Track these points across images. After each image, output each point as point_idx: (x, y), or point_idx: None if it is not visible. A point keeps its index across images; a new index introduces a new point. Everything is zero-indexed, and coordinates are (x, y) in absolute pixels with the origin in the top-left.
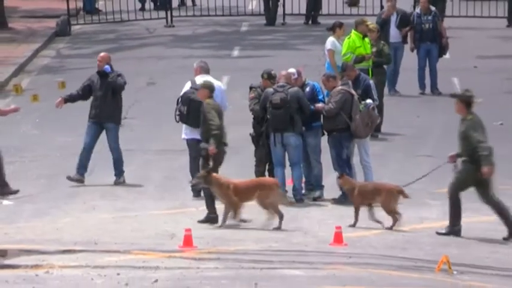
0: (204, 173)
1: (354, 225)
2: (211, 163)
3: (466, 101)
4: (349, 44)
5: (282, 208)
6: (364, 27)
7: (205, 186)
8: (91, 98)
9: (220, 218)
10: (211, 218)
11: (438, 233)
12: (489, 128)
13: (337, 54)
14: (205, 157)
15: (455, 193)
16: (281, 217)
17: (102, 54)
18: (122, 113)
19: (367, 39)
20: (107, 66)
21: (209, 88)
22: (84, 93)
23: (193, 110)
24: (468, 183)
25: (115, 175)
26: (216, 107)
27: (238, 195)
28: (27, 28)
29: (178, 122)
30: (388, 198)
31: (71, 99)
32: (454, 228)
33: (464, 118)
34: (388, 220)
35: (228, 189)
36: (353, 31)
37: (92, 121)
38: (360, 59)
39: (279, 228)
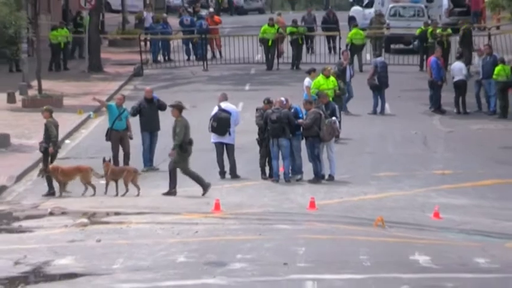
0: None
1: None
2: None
3: (179, 108)
4: (315, 83)
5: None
6: (326, 71)
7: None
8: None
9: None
10: (171, 192)
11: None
12: (407, 135)
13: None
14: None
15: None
16: (94, 188)
17: (148, 88)
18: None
19: (331, 78)
20: (154, 95)
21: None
22: (136, 112)
23: (220, 124)
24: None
25: (151, 164)
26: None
27: (64, 176)
28: (115, 71)
29: (210, 131)
30: (128, 176)
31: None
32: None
33: (177, 119)
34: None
35: (57, 172)
36: (320, 74)
37: (145, 132)
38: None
39: (93, 194)
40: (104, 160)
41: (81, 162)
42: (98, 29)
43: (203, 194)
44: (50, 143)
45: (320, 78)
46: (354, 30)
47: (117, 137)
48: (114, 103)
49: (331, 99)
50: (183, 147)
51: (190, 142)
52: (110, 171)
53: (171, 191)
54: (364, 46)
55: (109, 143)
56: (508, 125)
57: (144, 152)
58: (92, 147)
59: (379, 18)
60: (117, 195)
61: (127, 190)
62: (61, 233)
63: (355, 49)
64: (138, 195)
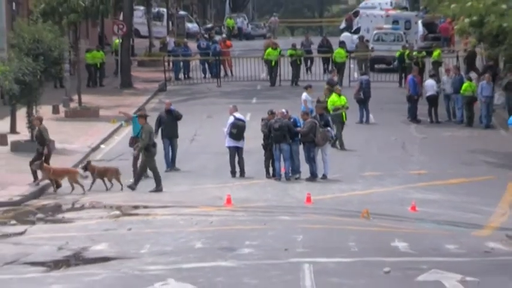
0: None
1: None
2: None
3: (144, 117)
4: (330, 100)
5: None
6: (338, 91)
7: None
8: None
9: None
10: (159, 189)
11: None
12: (388, 141)
13: (308, 103)
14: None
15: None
16: (82, 187)
17: (167, 101)
18: (193, 132)
19: (342, 96)
20: (172, 107)
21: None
22: (157, 128)
23: (239, 131)
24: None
25: (174, 165)
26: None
27: (54, 176)
28: (143, 87)
29: (229, 137)
30: (111, 174)
31: (157, 128)
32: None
33: (143, 126)
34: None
35: (49, 172)
36: (333, 93)
37: (165, 139)
38: (337, 108)
39: (84, 192)
40: (89, 163)
41: (113, 164)
42: (128, 52)
43: (153, 191)
44: (45, 146)
45: (334, 96)
46: (336, 50)
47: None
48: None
49: (344, 114)
50: (148, 149)
51: (154, 145)
52: (96, 171)
53: (158, 188)
54: (345, 63)
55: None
56: (473, 133)
57: (166, 156)
58: (123, 151)
59: (362, 42)
60: (107, 190)
61: (111, 185)
62: (97, 223)
63: (337, 66)
64: (121, 189)
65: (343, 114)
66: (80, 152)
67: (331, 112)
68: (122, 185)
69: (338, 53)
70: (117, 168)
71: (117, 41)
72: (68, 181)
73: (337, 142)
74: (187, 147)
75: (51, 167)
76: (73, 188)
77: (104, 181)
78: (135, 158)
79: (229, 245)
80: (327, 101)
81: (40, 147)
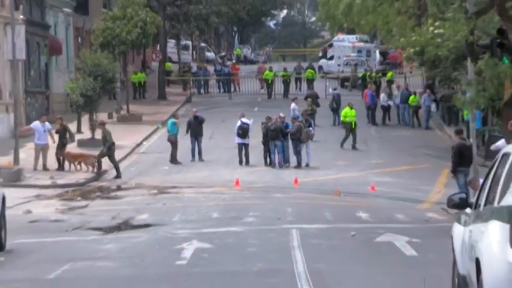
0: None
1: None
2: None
3: (103, 124)
4: (343, 112)
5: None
6: (351, 104)
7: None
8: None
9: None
10: (118, 176)
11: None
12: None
13: (296, 111)
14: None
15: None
16: (93, 167)
17: (194, 109)
18: (211, 132)
19: (353, 110)
20: (197, 114)
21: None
22: (188, 129)
23: (243, 131)
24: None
25: (200, 157)
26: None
27: (72, 158)
28: (174, 99)
29: (237, 136)
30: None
31: (187, 129)
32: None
33: (104, 131)
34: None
35: (68, 155)
36: (347, 106)
37: (192, 137)
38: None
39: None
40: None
41: (153, 156)
42: (164, 73)
43: (115, 178)
44: (68, 139)
45: (347, 109)
46: (308, 70)
47: (174, 139)
48: (175, 120)
49: (353, 123)
50: (110, 147)
51: (113, 143)
52: (71, 156)
53: (118, 175)
54: (314, 79)
55: (168, 144)
56: (417, 133)
57: (192, 150)
58: (159, 146)
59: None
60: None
61: (88, 169)
62: (140, 199)
63: (308, 82)
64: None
65: (352, 123)
66: (128, 147)
67: (341, 120)
68: (93, 168)
69: (308, 72)
70: (91, 155)
71: (169, 65)
72: (83, 163)
73: (344, 143)
74: (206, 144)
75: (69, 151)
76: (88, 168)
77: (74, 164)
78: (103, 155)
79: (237, 215)
80: (310, 109)
81: (104, 146)
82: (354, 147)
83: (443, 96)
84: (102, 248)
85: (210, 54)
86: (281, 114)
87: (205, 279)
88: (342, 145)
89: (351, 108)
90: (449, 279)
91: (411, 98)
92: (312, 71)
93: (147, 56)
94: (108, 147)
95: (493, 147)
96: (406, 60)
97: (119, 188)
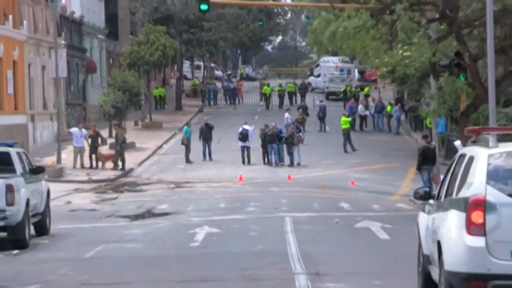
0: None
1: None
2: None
3: (117, 125)
4: (343, 120)
5: None
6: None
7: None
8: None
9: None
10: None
11: None
12: (338, 142)
13: (289, 119)
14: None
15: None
16: (116, 165)
17: (205, 118)
18: (219, 137)
19: (350, 119)
20: (208, 121)
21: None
22: (200, 135)
23: (244, 136)
24: None
25: (210, 158)
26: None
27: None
28: (189, 110)
29: (239, 140)
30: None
31: (200, 135)
32: None
33: (117, 132)
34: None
35: (100, 155)
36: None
37: (203, 141)
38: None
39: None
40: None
41: (171, 157)
42: (180, 88)
43: (112, 169)
44: (100, 143)
45: (344, 118)
46: (289, 85)
47: (188, 142)
48: (188, 127)
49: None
50: (121, 144)
51: (124, 141)
52: (104, 156)
53: (116, 167)
54: (295, 93)
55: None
56: (390, 137)
57: (204, 152)
58: (176, 148)
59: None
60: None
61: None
62: (161, 192)
63: (290, 94)
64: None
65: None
66: (151, 149)
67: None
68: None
69: (290, 86)
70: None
71: (196, 80)
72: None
73: (346, 147)
74: (215, 147)
75: (101, 151)
76: (115, 165)
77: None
78: (118, 153)
79: (240, 205)
80: (301, 118)
81: (117, 144)
82: (346, 150)
83: (410, 107)
84: (129, 232)
85: (218, 73)
86: (273, 124)
87: (215, 259)
88: (345, 150)
89: (348, 117)
90: (416, 258)
91: (388, 107)
92: (293, 85)
93: (166, 74)
94: (120, 144)
95: (456, 143)
96: (380, 77)
97: (143, 183)
